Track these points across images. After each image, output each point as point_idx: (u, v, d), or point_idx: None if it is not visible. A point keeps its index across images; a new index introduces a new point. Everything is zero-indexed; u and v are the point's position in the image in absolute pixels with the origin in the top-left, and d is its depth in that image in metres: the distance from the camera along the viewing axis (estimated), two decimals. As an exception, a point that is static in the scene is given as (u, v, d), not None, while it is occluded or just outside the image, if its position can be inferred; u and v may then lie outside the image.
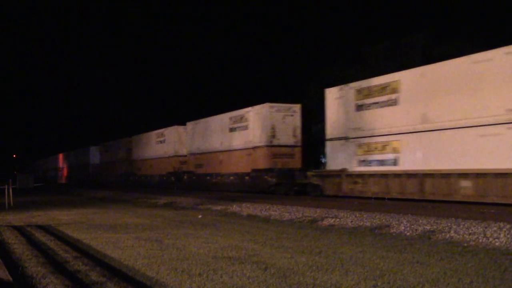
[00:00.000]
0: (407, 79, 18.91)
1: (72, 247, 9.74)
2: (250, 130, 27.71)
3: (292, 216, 14.51)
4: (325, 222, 13.02)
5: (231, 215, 16.08)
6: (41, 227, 13.38)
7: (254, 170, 27.05)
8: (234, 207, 17.95)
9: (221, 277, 6.77)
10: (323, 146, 23.73)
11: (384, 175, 19.56)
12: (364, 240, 9.90)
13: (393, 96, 19.32)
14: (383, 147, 19.74)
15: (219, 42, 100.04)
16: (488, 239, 9.32)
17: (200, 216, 15.60)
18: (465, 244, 9.16)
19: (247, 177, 27.87)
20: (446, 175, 17.07)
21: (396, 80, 19.25)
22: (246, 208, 17.35)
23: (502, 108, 15.43)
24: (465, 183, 16.38)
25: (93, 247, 9.65)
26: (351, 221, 12.69)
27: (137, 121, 71.56)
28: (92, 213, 18.02)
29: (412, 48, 37.93)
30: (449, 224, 10.99)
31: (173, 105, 76.19)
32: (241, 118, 28.68)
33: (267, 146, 26.21)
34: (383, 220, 12.40)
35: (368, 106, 20.51)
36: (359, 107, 20.94)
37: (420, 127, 18.20)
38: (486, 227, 10.30)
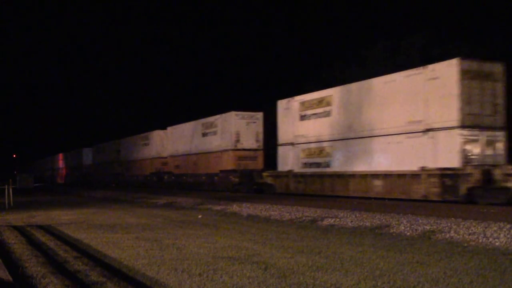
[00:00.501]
0: (338, 94, 22.40)
1: (72, 247, 9.74)
2: (219, 135, 31.33)
3: (292, 216, 14.51)
4: (325, 222, 13.02)
5: (231, 215, 16.08)
6: (41, 227, 13.38)
7: (222, 171, 30.55)
8: (234, 207, 17.95)
9: (221, 277, 6.77)
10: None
11: (320, 176, 23.25)
12: (364, 240, 9.90)
13: (328, 108, 22.86)
14: (320, 152, 23.38)
15: (218, 42, 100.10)
16: (488, 239, 9.32)
17: (200, 216, 15.60)
18: (465, 244, 9.16)
19: (216, 177, 31.34)
20: (364, 176, 20.68)
21: (330, 95, 22.77)
22: (246, 208, 17.35)
23: (403, 121, 19.01)
24: (377, 182, 20.03)
25: (93, 247, 9.65)
26: (351, 221, 12.69)
27: (127, 124, 73.45)
28: (92, 213, 18.02)
29: (412, 48, 37.91)
30: (449, 224, 10.99)
31: (167, 109, 76.86)
32: (211, 125, 32.28)
33: (232, 150, 29.83)
34: (383, 220, 12.40)
35: (309, 116, 24.14)
36: (302, 117, 24.55)
37: (346, 135, 21.78)
38: (486, 227, 10.31)
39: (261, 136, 30.17)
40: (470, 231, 10.08)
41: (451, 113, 17.31)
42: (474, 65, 17.58)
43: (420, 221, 11.78)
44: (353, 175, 21.24)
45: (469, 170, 16.64)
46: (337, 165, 22.23)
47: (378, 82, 20.40)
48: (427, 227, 10.90)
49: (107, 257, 8.47)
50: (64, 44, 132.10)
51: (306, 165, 24.28)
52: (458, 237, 9.81)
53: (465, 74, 17.24)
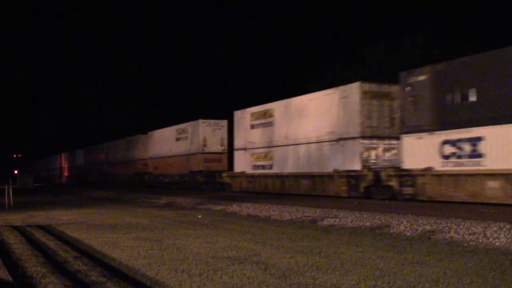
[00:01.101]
0: (278, 108, 26.45)
1: (72, 247, 9.74)
2: (189, 140, 35.54)
3: (292, 216, 14.51)
4: (325, 222, 13.02)
5: (231, 215, 16.09)
6: (41, 227, 13.38)
7: (191, 172, 34.87)
8: (234, 207, 17.95)
9: (221, 277, 6.77)
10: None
11: (264, 176, 27.30)
12: (364, 240, 9.90)
13: (270, 119, 27.00)
14: (265, 156, 27.38)
15: (217, 42, 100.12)
16: (488, 239, 9.32)
17: (200, 216, 15.60)
18: (465, 244, 9.16)
19: (186, 177, 35.72)
20: (295, 176, 24.81)
21: (272, 108, 26.95)
22: (246, 208, 17.35)
23: (323, 131, 22.91)
24: (305, 182, 24.19)
25: (93, 247, 9.65)
26: (351, 221, 12.69)
27: (118, 127, 76.41)
28: (92, 213, 18.03)
29: (412, 48, 37.92)
30: (449, 224, 10.98)
31: (154, 114, 78.01)
32: (183, 131, 36.53)
33: (200, 153, 34.04)
34: (383, 220, 12.40)
35: (257, 126, 28.15)
36: (252, 126, 28.55)
37: (284, 142, 25.81)
38: (486, 227, 10.30)
39: (225, 141, 34.05)
40: (470, 231, 10.08)
41: (355, 126, 21.14)
42: (373, 86, 21.25)
43: (420, 221, 11.78)
44: (287, 176, 25.48)
45: (365, 172, 20.45)
46: (277, 168, 26.37)
47: (306, 99, 24.65)
48: (427, 227, 10.90)
49: (107, 257, 8.47)
50: (64, 44, 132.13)
51: (255, 167, 28.31)
52: (458, 237, 9.80)
53: (365, 94, 20.95)
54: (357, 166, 20.85)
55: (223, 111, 33.48)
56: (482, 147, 16.11)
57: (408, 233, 10.63)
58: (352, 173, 21.04)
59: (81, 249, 9.45)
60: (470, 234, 9.88)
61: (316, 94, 24.02)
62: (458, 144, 16.94)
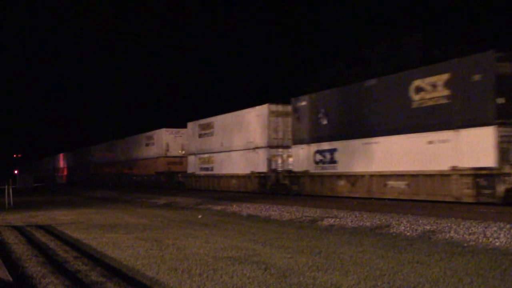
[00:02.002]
0: (216, 121, 32.65)
1: (72, 247, 9.74)
2: (155, 146, 41.61)
3: (292, 216, 14.51)
4: (325, 222, 13.02)
5: (231, 215, 16.09)
6: (41, 227, 13.38)
7: (156, 172, 41.08)
8: (234, 207, 17.95)
9: (221, 277, 6.77)
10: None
11: (207, 176, 33.60)
12: (364, 240, 9.90)
13: (212, 130, 33.12)
14: (208, 160, 33.54)
15: (215, 42, 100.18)
16: (488, 239, 9.32)
17: (200, 216, 15.60)
18: (465, 244, 9.16)
19: (152, 177, 41.86)
20: (228, 176, 30.98)
21: (213, 121, 33.16)
22: (246, 208, 17.35)
23: (246, 141, 28.66)
24: (234, 181, 30.31)
25: (93, 247, 9.65)
26: (351, 221, 12.69)
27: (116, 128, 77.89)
28: (92, 213, 18.03)
29: (412, 48, 37.91)
30: (449, 224, 10.98)
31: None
32: (151, 137, 42.74)
33: (163, 157, 40.22)
34: (383, 220, 12.40)
35: (203, 135, 34.30)
36: (200, 135, 34.70)
37: (220, 149, 31.81)
38: (486, 227, 10.30)
39: (185, 147, 38.72)
40: (470, 231, 10.08)
41: (265, 137, 26.99)
42: (279, 107, 27.06)
43: (420, 221, 11.78)
44: (222, 176, 31.67)
45: (269, 173, 26.58)
46: (216, 169, 32.46)
47: (234, 115, 30.67)
48: (427, 227, 10.90)
49: (107, 257, 8.48)
50: (63, 45, 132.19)
51: (201, 169, 34.54)
52: (458, 237, 9.80)
53: (272, 113, 26.95)
54: (264, 169, 26.89)
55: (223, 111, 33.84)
56: (336, 156, 21.95)
57: (408, 233, 10.62)
58: (262, 174, 27.21)
59: (81, 249, 9.45)
60: (470, 234, 9.88)
61: (241, 112, 29.90)
62: (324, 153, 22.81)
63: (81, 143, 74.13)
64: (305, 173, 23.65)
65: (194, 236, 10.84)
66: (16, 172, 77.40)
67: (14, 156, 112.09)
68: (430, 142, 17.60)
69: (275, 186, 26.02)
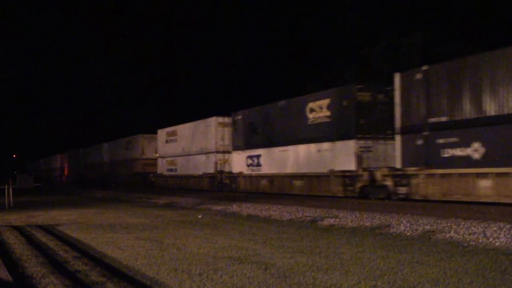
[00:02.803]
0: (179, 129, 37.83)
1: (72, 247, 9.74)
2: (133, 149, 47.03)
3: (292, 216, 14.51)
4: (325, 222, 13.02)
5: (231, 215, 16.08)
6: (41, 227, 13.38)
7: (133, 173, 46.48)
8: (234, 207, 17.95)
9: (221, 277, 6.77)
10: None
11: (172, 176, 38.80)
12: (364, 240, 9.90)
13: (176, 137, 38.17)
14: (173, 162, 38.73)
15: (215, 43, 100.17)
16: (488, 239, 9.32)
17: (200, 216, 15.60)
18: (465, 244, 9.16)
19: (131, 177, 46.97)
20: (188, 176, 36.10)
21: (176, 130, 38.27)
22: (246, 208, 17.35)
23: (200, 147, 33.82)
24: (192, 180, 35.56)
25: (93, 247, 9.65)
26: (351, 221, 12.69)
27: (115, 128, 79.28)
28: (92, 213, 18.03)
29: (412, 48, 37.91)
30: (449, 224, 10.99)
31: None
32: (130, 142, 48.33)
33: (140, 159, 45.74)
34: (383, 220, 12.40)
35: (169, 141, 39.48)
36: (167, 141, 39.87)
37: (182, 153, 36.98)
38: (486, 227, 10.30)
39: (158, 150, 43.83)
40: (470, 231, 10.08)
41: (212, 144, 32.30)
42: (225, 119, 31.81)
43: (420, 221, 11.78)
44: (183, 176, 37.07)
45: (216, 174, 31.84)
46: (179, 170, 37.64)
47: (192, 125, 35.71)
48: (427, 227, 10.90)
49: (107, 257, 8.47)
50: (63, 45, 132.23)
51: (168, 170, 39.65)
52: (458, 237, 9.80)
53: (219, 124, 31.92)
54: (213, 170, 32.23)
55: (227, 111, 34.41)
56: (261, 160, 27.43)
57: (408, 233, 10.62)
58: (211, 175, 32.55)
59: (81, 249, 9.45)
60: (470, 234, 9.88)
61: (197, 122, 34.96)
62: (252, 158, 28.16)
63: (81, 143, 74.78)
64: (240, 174, 29.45)
65: (194, 236, 10.84)
66: (15, 172, 77.50)
67: (14, 156, 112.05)
68: (319, 151, 22.91)
69: (220, 184, 31.54)
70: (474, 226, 10.58)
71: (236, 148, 29.92)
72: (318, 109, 23.00)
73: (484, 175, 15.90)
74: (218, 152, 31.96)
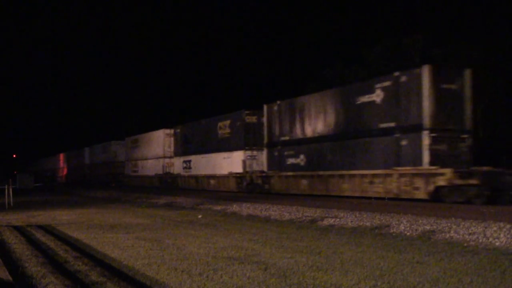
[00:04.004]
0: (140, 137, 45.27)
1: (72, 247, 9.74)
2: (108, 153, 55.19)
3: (292, 216, 14.51)
4: (325, 222, 13.02)
5: (231, 215, 16.08)
6: (41, 227, 13.38)
7: (107, 174, 54.16)
8: (234, 207, 17.95)
9: (221, 277, 6.77)
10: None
11: (136, 176, 46.40)
12: (364, 240, 9.90)
13: (138, 144, 45.81)
14: (135, 165, 46.54)
15: (215, 43, 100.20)
16: (488, 239, 9.32)
17: (200, 216, 15.60)
18: (465, 244, 9.16)
19: (105, 177, 54.33)
20: (145, 176, 43.40)
21: (139, 137, 45.81)
22: (246, 208, 17.35)
23: (159, 153, 40.50)
24: (147, 179, 43.04)
25: (93, 247, 9.65)
26: (351, 221, 12.69)
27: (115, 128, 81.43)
28: (92, 213, 18.03)
29: (412, 48, 37.88)
30: (449, 224, 10.99)
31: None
32: (105, 146, 56.63)
33: (112, 162, 54.10)
34: (383, 220, 12.40)
35: (133, 147, 47.02)
36: (132, 147, 47.56)
37: (142, 157, 44.68)
38: (486, 227, 10.30)
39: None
40: (470, 231, 10.08)
41: (161, 150, 40.00)
42: (171, 130, 39.28)
43: (420, 221, 11.78)
44: (142, 176, 44.79)
45: (163, 174, 40.14)
46: (139, 172, 45.52)
47: (150, 134, 42.79)
48: (427, 227, 10.90)
49: (107, 257, 8.47)
50: (64, 45, 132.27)
51: (132, 171, 47.64)
52: (458, 237, 9.80)
53: (167, 135, 39.55)
54: (161, 171, 40.47)
55: (227, 110, 34.85)
56: (191, 164, 35.51)
57: (408, 233, 10.62)
58: (160, 175, 40.62)
59: (81, 249, 9.45)
60: (470, 234, 9.88)
61: (151, 132, 42.54)
62: (186, 162, 36.47)
63: (80, 143, 75.33)
64: (178, 175, 37.86)
65: (194, 236, 10.84)
66: (16, 172, 77.53)
67: (14, 156, 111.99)
68: (224, 158, 30.95)
69: (166, 182, 39.64)
70: (474, 226, 10.58)
71: (176, 154, 38.46)
72: (224, 127, 31.41)
73: (305, 176, 23.87)
74: (165, 157, 39.81)
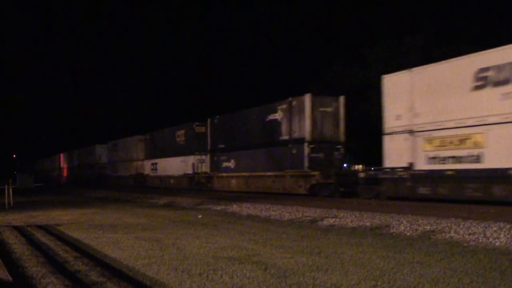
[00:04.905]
0: (119, 142, 51.09)
1: (72, 247, 9.73)
2: (93, 156, 60.26)
3: (292, 216, 14.51)
4: (325, 222, 13.02)
5: (231, 215, 16.08)
6: (41, 227, 13.37)
7: (92, 174, 59.20)
8: (234, 207, 17.95)
9: (221, 277, 6.77)
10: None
11: (115, 177, 51.89)
12: (364, 240, 9.90)
13: (117, 148, 51.28)
14: (115, 166, 51.93)
15: (214, 44, 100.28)
16: (488, 239, 9.32)
17: (200, 216, 15.60)
18: (465, 244, 9.16)
19: (91, 177, 59.58)
20: (123, 177, 49.67)
21: (118, 142, 51.44)
22: (246, 208, 17.35)
23: (133, 156, 46.95)
24: (123, 179, 49.71)
25: (93, 247, 9.65)
26: (351, 221, 12.69)
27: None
28: (92, 213, 18.02)
29: (412, 48, 37.92)
30: (449, 224, 10.98)
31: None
32: (90, 149, 61.92)
33: (96, 163, 58.65)
34: (383, 220, 12.39)
35: (113, 151, 53.02)
36: (112, 151, 53.64)
37: (120, 160, 50.31)
38: (486, 227, 10.30)
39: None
40: (470, 231, 10.08)
41: (135, 154, 45.93)
42: (143, 136, 44.95)
43: (420, 221, 11.77)
44: (119, 176, 50.49)
45: (136, 174, 45.81)
46: (118, 172, 51.13)
47: (126, 140, 49.28)
48: (427, 227, 10.90)
49: (107, 257, 8.47)
50: (63, 46, 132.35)
51: (113, 172, 53.08)
52: (458, 237, 9.80)
53: (139, 141, 45.12)
54: (134, 172, 46.01)
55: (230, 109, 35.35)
56: (157, 166, 41.44)
57: (408, 233, 10.62)
58: (133, 175, 46.28)
59: (81, 249, 9.44)
60: (470, 234, 9.88)
61: (128, 138, 48.50)
62: (153, 164, 42.10)
63: (80, 143, 75.60)
64: (148, 175, 43.56)
65: (194, 236, 10.84)
66: (16, 172, 77.56)
67: (14, 156, 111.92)
68: (180, 161, 36.73)
69: (138, 182, 44.77)
70: (474, 226, 10.58)
71: (146, 157, 44.16)
72: (181, 135, 37.24)
73: (233, 177, 30.15)
74: (138, 160, 45.56)
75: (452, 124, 16.90)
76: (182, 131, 36.89)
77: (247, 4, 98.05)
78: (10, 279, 6.48)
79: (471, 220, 11.34)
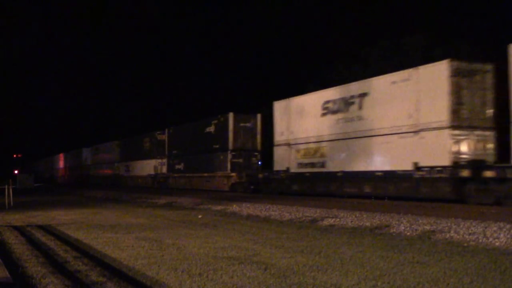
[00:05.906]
0: (100, 146, 59.85)
1: (72, 247, 9.74)
2: (80, 158, 66.68)
3: (292, 216, 14.51)
4: (325, 222, 13.02)
5: (231, 215, 16.08)
6: (41, 227, 13.37)
7: (79, 175, 65.65)
8: (234, 207, 17.95)
9: (221, 277, 6.77)
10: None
11: (98, 176, 59.19)
12: (364, 240, 9.90)
13: (99, 151, 59.43)
14: (97, 167, 60.22)
15: (215, 45, 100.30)
16: (488, 239, 9.32)
17: (200, 216, 15.60)
18: (465, 244, 9.16)
19: (79, 177, 65.82)
20: (104, 176, 58.28)
21: (100, 146, 59.55)
22: (246, 208, 17.35)
23: (114, 158, 55.24)
24: (104, 179, 57.88)
25: (93, 247, 9.65)
26: (351, 221, 12.69)
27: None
28: (92, 213, 18.02)
29: (412, 48, 37.87)
30: (449, 224, 10.98)
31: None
32: (77, 152, 68.79)
33: (83, 165, 64.82)
34: (383, 220, 12.40)
35: (96, 153, 60.95)
36: (95, 154, 61.22)
37: (102, 161, 58.32)
38: (486, 227, 10.30)
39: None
40: (470, 231, 10.08)
41: (113, 157, 54.31)
42: (122, 141, 52.67)
43: (420, 221, 11.78)
44: (103, 176, 57.08)
45: (113, 175, 55.08)
46: (100, 173, 58.47)
47: (107, 144, 56.46)
48: (427, 227, 10.90)
49: (107, 257, 8.47)
50: (63, 46, 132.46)
51: (96, 172, 60.28)
52: (458, 237, 9.80)
53: (117, 145, 53.24)
54: (112, 173, 53.50)
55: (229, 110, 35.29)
56: (129, 168, 49.29)
57: (408, 233, 10.62)
58: (111, 175, 53.61)
59: (81, 249, 9.44)
60: (470, 234, 9.87)
61: (109, 142, 55.59)
62: (127, 166, 49.35)
63: (80, 143, 75.71)
64: (122, 175, 50.05)
65: (194, 236, 10.84)
66: (16, 172, 77.50)
67: (14, 156, 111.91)
68: (147, 164, 43.49)
69: (114, 181, 51.09)
70: (474, 226, 10.58)
71: (121, 160, 51.18)
72: (146, 142, 44.22)
73: (182, 177, 37.74)
74: (115, 162, 52.78)
75: (312, 139, 24.04)
76: (148, 138, 44.22)
77: (246, 4, 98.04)
78: (11, 279, 6.48)
79: (471, 220, 11.34)
